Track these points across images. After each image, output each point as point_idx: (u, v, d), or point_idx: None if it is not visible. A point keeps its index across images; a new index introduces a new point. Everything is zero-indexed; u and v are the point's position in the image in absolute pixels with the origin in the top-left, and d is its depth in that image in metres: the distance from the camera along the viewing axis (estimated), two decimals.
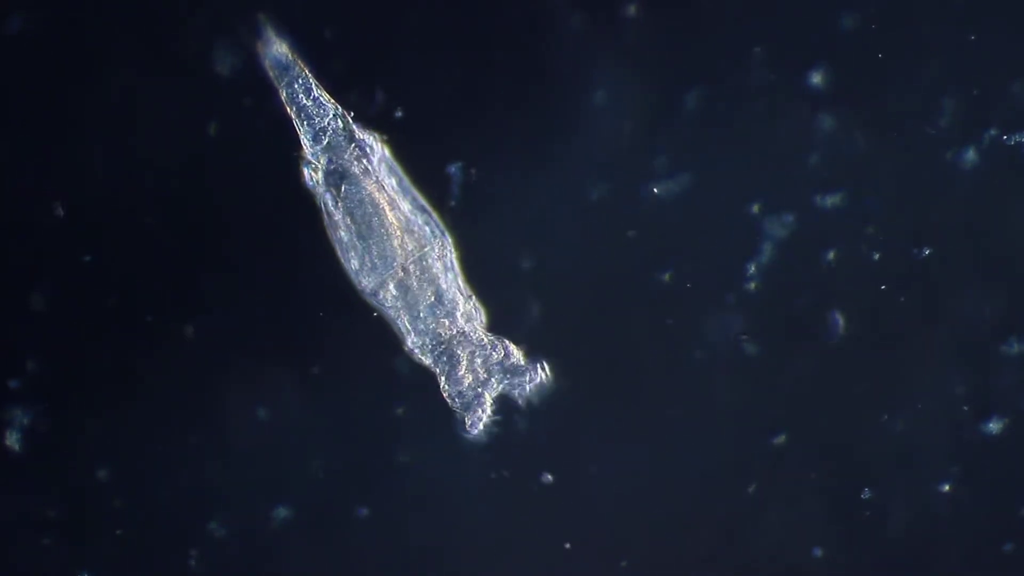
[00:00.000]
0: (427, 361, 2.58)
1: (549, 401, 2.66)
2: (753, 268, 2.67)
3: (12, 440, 2.71)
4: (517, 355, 2.57)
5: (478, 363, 2.56)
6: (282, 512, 2.74)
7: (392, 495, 2.74)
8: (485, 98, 2.65)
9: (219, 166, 2.64)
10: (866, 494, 2.74)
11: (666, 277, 2.69)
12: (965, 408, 2.71)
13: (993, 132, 2.64)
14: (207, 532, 2.74)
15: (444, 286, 2.54)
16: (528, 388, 2.59)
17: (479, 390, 2.57)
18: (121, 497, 2.73)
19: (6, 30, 2.63)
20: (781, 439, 2.73)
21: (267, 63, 2.57)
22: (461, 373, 2.55)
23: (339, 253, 2.57)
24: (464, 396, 2.57)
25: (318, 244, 2.63)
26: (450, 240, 2.57)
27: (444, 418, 2.68)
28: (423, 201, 2.58)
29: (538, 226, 2.67)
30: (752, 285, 2.68)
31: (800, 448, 2.74)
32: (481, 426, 2.59)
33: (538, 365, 2.58)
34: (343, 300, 2.64)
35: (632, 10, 2.63)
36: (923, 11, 2.63)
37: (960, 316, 2.70)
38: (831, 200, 2.66)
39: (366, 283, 2.56)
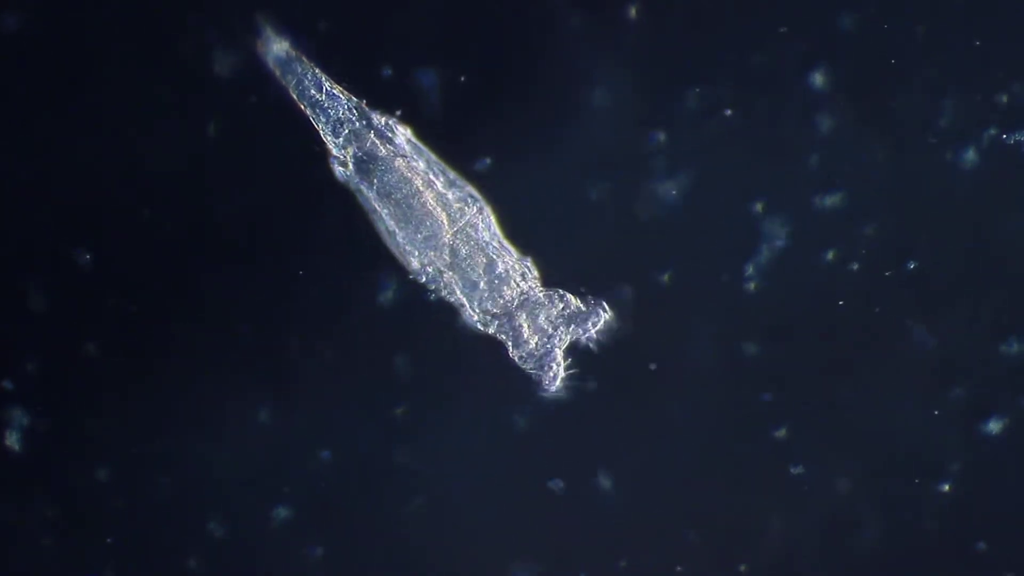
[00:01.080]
0: (490, 330, 2.57)
1: (549, 401, 2.67)
2: (752, 268, 2.67)
3: (12, 440, 2.71)
4: (576, 302, 2.57)
5: (541, 319, 2.55)
6: (282, 512, 2.74)
7: (392, 495, 2.74)
8: (484, 97, 2.65)
9: (219, 166, 2.64)
10: (866, 494, 2.74)
11: (665, 277, 2.69)
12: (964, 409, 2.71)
13: (993, 132, 2.64)
14: (207, 532, 2.74)
15: (493, 253, 2.55)
16: (595, 331, 2.59)
17: (548, 346, 2.56)
18: (121, 497, 2.73)
19: (5, 30, 2.62)
20: (781, 438, 2.73)
21: (270, 62, 2.56)
22: (527, 335, 2.54)
23: (384, 239, 2.57)
24: (535, 356, 2.57)
25: (318, 243, 2.63)
26: (487, 207, 2.57)
27: (444, 418, 2.68)
28: (453, 174, 2.58)
29: (538, 226, 2.67)
30: (751, 285, 2.68)
31: (800, 447, 2.74)
32: (559, 381, 2.58)
33: (599, 306, 2.58)
34: (343, 300, 2.65)
35: (632, 10, 2.63)
36: (923, 11, 2.63)
37: (960, 316, 2.69)
38: (831, 200, 2.66)
39: (416, 263, 2.55)
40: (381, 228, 2.57)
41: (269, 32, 2.56)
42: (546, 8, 2.63)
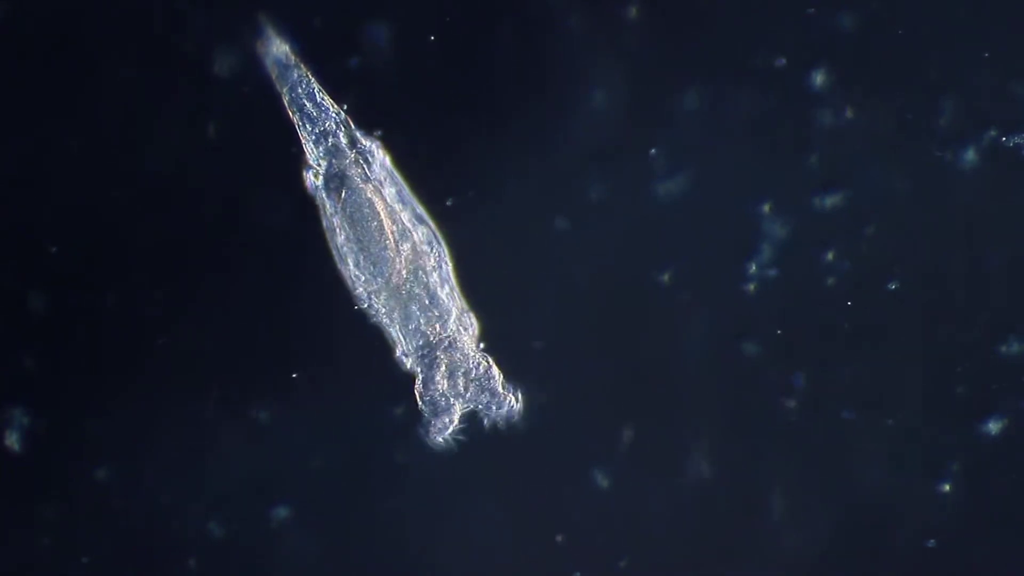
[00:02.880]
0: (408, 363, 2.57)
1: (549, 401, 2.67)
2: (753, 268, 2.67)
3: (12, 440, 2.71)
4: (498, 377, 2.57)
5: (459, 373, 2.55)
6: (282, 512, 2.74)
7: (392, 495, 2.74)
8: (484, 97, 2.65)
9: (219, 166, 2.64)
10: (866, 494, 2.74)
11: (665, 278, 2.69)
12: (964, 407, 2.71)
13: (993, 132, 2.64)
14: (206, 532, 2.74)
15: (438, 296, 2.54)
16: (498, 414, 2.58)
17: (451, 399, 2.56)
18: (121, 497, 2.73)
19: (4, 29, 2.63)
20: (781, 438, 2.73)
21: (268, 64, 2.57)
22: (438, 379, 2.54)
23: (335, 257, 2.56)
24: (435, 402, 2.57)
25: (318, 244, 2.63)
26: (447, 252, 2.56)
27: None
28: (422, 211, 2.57)
29: (537, 226, 2.67)
30: (751, 286, 2.68)
31: (800, 447, 2.74)
32: (444, 435, 2.58)
33: (513, 394, 2.58)
34: (343, 300, 2.64)
35: (632, 10, 2.63)
36: (923, 11, 2.63)
37: (959, 316, 2.69)
38: (831, 200, 2.66)
39: (360, 289, 2.55)
40: (333, 246, 2.57)
41: (269, 32, 2.56)
42: (546, 8, 2.64)
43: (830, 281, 2.69)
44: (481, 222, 2.66)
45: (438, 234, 2.57)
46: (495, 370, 2.57)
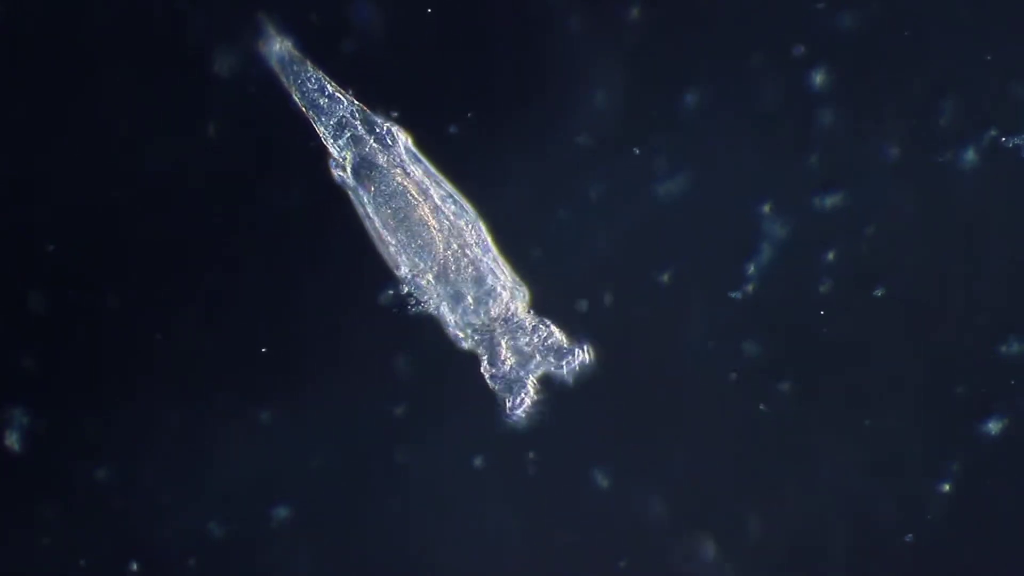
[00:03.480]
0: (467, 344, 2.55)
1: (548, 401, 2.67)
2: (752, 268, 2.67)
3: (12, 440, 2.71)
4: (560, 336, 2.54)
5: (521, 343, 2.53)
6: (282, 512, 2.74)
7: (392, 495, 2.74)
8: (484, 96, 2.65)
9: (219, 166, 2.64)
10: (866, 494, 2.74)
11: (664, 278, 2.69)
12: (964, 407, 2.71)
13: (993, 132, 2.64)
14: (206, 532, 2.74)
15: (483, 270, 2.53)
16: (570, 369, 2.56)
17: (521, 372, 2.54)
18: (121, 497, 2.73)
19: (3, 29, 2.63)
20: (781, 437, 2.73)
21: (272, 62, 2.56)
22: (503, 355, 2.52)
23: (376, 245, 2.55)
24: (506, 378, 2.54)
25: (317, 244, 2.63)
26: (483, 224, 2.55)
27: (444, 418, 2.68)
28: (450, 187, 2.56)
29: (536, 226, 2.67)
30: (751, 286, 2.68)
31: (800, 447, 2.74)
32: (523, 409, 2.55)
33: (580, 347, 2.55)
34: (343, 300, 2.64)
35: (632, 10, 2.63)
36: (923, 12, 2.63)
37: (959, 316, 2.69)
38: (831, 200, 2.66)
39: (406, 271, 2.53)
40: (374, 234, 2.55)
41: (270, 31, 2.56)
42: (547, 8, 2.64)
43: (830, 281, 2.69)
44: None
45: (470, 207, 2.56)
46: (555, 329, 2.55)
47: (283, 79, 2.56)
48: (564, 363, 2.54)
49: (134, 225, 2.67)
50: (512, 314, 2.53)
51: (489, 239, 2.55)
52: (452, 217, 2.54)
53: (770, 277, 2.68)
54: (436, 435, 2.70)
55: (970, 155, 2.65)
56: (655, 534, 2.76)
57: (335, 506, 2.74)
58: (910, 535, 2.72)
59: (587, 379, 2.68)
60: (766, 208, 2.66)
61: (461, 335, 2.54)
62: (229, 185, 2.65)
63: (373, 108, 2.59)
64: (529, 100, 2.65)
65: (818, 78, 2.63)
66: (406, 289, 2.55)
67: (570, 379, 2.54)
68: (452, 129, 2.64)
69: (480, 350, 2.54)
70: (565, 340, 2.54)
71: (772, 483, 2.75)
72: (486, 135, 2.65)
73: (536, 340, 2.53)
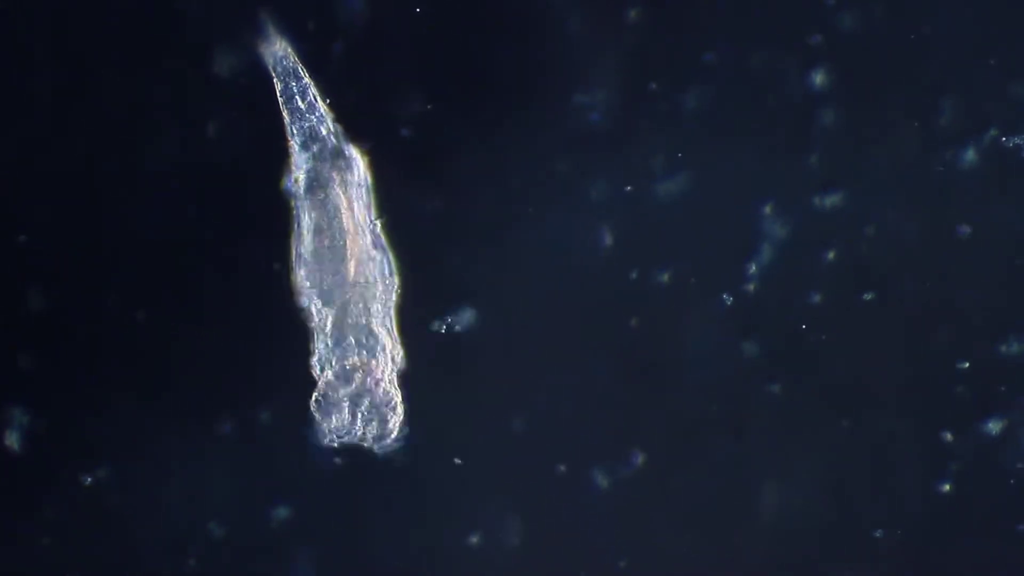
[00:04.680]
0: (321, 376, 2.55)
1: (548, 401, 2.67)
2: (753, 268, 2.67)
3: (12, 440, 2.71)
4: (394, 420, 2.55)
5: (366, 397, 2.54)
6: (282, 512, 2.74)
7: (392, 495, 2.74)
8: (483, 97, 2.65)
9: (220, 166, 2.64)
10: (866, 494, 2.74)
11: (664, 277, 2.68)
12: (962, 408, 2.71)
13: (993, 132, 2.64)
14: (206, 532, 2.74)
15: (376, 325, 2.53)
16: (371, 443, 2.57)
17: (346, 411, 2.55)
18: (121, 497, 2.73)
19: (3, 29, 2.62)
20: (781, 438, 2.73)
21: (268, 62, 2.56)
22: (344, 392, 2.53)
23: (292, 260, 2.55)
24: (329, 406, 2.55)
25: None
26: (396, 284, 2.55)
27: (444, 418, 2.68)
28: (383, 239, 2.56)
29: (536, 226, 2.67)
30: (751, 286, 2.68)
31: (800, 447, 2.74)
32: (331, 439, 2.56)
33: (389, 439, 2.56)
34: None
35: (632, 10, 2.63)
36: (923, 12, 2.63)
37: (959, 316, 2.69)
38: (831, 200, 2.66)
39: (307, 298, 2.54)
40: (294, 250, 2.56)
41: (270, 31, 2.56)
42: (546, 8, 2.63)
43: (830, 281, 2.68)
44: (480, 222, 2.66)
45: (392, 265, 2.56)
46: (398, 411, 2.56)
47: (275, 79, 2.56)
48: (373, 436, 2.56)
49: (134, 225, 2.67)
50: (382, 368, 2.54)
51: (394, 302, 2.55)
52: (373, 265, 2.54)
53: (770, 277, 2.68)
54: (436, 435, 2.70)
55: (970, 155, 2.65)
56: (655, 534, 2.76)
57: (335, 506, 2.74)
58: (892, 530, 2.72)
59: (587, 379, 2.68)
60: (767, 209, 2.66)
61: (320, 368, 2.54)
62: (229, 185, 2.65)
63: (369, 104, 2.59)
64: (529, 100, 2.65)
65: (818, 78, 2.63)
66: (303, 308, 2.55)
67: (366, 445, 2.56)
68: (451, 129, 2.64)
69: (330, 379, 2.54)
70: (395, 427, 2.55)
71: (771, 483, 2.75)
72: (486, 135, 2.64)
73: (379, 399, 2.54)
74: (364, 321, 2.52)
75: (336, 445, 2.56)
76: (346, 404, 2.53)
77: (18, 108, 2.64)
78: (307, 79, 2.56)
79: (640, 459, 2.73)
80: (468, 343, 2.63)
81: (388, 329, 2.54)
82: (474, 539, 2.76)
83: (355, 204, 2.54)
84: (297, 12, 2.58)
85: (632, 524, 2.76)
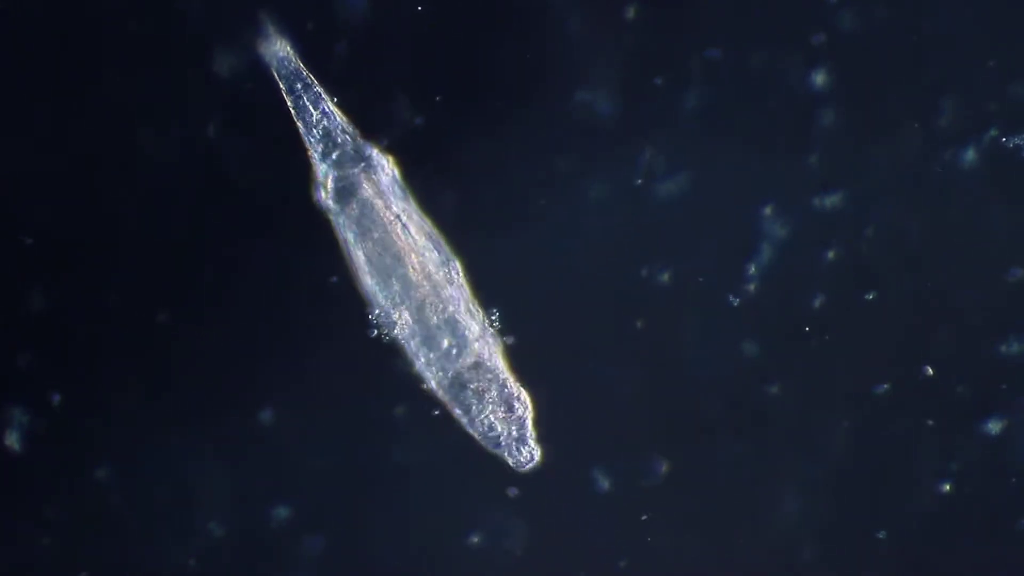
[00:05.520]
0: (442, 394, 2.55)
1: (549, 400, 2.67)
2: (753, 268, 2.67)
3: (12, 440, 2.71)
4: (529, 425, 2.55)
5: (493, 396, 2.54)
6: (282, 512, 2.74)
7: (392, 495, 2.74)
8: (482, 97, 2.65)
9: (220, 165, 2.64)
10: (867, 494, 2.74)
11: (665, 277, 2.69)
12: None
13: (993, 132, 2.64)
14: (206, 532, 2.74)
15: (458, 315, 2.52)
16: (512, 458, 2.57)
17: (497, 427, 2.55)
18: (121, 497, 2.73)
19: (2, 29, 2.62)
20: (781, 438, 2.73)
21: (271, 65, 2.56)
22: (479, 413, 2.53)
23: (354, 271, 2.55)
24: (492, 436, 2.55)
25: (318, 243, 2.63)
26: (459, 265, 2.55)
27: (444, 418, 2.68)
28: (430, 226, 2.56)
29: (536, 226, 2.67)
30: (751, 286, 2.68)
31: (799, 447, 2.74)
32: (526, 454, 2.56)
33: (532, 447, 2.56)
34: (344, 300, 2.64)
35: (631, 9, 2.63)
36: (923, 11, 2.63)
37: (959, 316, 2.70)
38: (831, 200, 2.66)
39: (383, 303, 2.53)
40: (353, 260, 2.55)
41: (271, 31, 2.56)
42: (547, 8, 2.64)
43: (830, 281, 2.69)
44: (480, 223, 2.66)
45: (447, 250, 2.55)
46: (529, 416, 2.56)
47: (282, 88, 2.56)
48: (513, 451, 2.55)
49: (134, 224, 2.67)
50: (486, 361, 2.53)
51: (463, 281, 2.54)
52: (430, 256, 2.53)
53: (770, 277, 2.68)
54: (436, 435, 2.70)
55: (970, 155, 2.65)
56: (655, 534, 2.76)
57: (335, 506, 2.74)
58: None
59: (587, 379, 2.68)
60: (767, 209, 2.66)
61: (432, 378, 2.54)
62: (230, 184, 2.65)
63: (369, 109, 2.59)
64: (528, 100, 2.65)
65: (818, 78, 2.63)
66: (383, 321, 2.54)
67: (508, 461, 2.56)
68: (449, 128, 2.64)
69: (456, 406, 2.54)
70: (531, 432, 2.55)
71: (771, 483, 2.75)
72: (485, 135, 2.65)
73: (504, 412, 2.54)
74: (445, 315, 2.51)
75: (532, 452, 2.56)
76: (491, 418, 2.53)
77: (18, 108, 2.65)
78: (312, 80, 2.55)
79: (640, 459, 2.73)
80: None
81: (472, 313, 2.53)
82: (474, 539, 2.76)
83: (391, 201, 2.54)
84: (297, 12, 2.58)
85: (632, 524, 2.76)
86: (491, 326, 2.55)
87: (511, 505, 2.74)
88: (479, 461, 2.72)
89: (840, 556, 2.76)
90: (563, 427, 2.70)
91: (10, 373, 2.70)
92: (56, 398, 2.70)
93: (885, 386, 2.71)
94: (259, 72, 2.57)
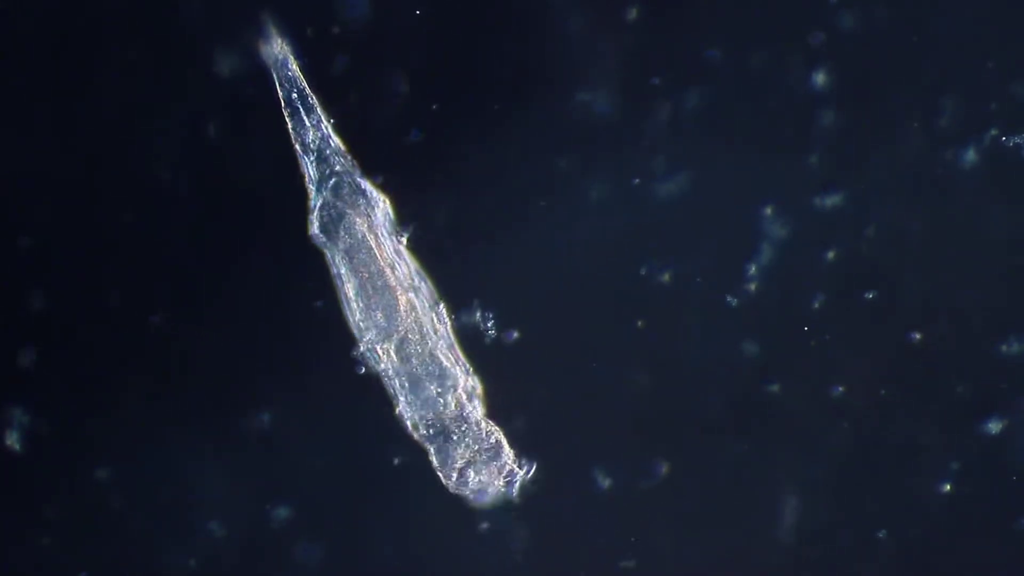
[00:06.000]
0: (418, 433, 2.57)
1: (549, 400, 2.67)
2: (753, 268, 2.67)
3: (12, 440, 2.71)
4: (508, 453, 2.57)
5: (469, 442, 2.56)
6: (282, 512, 2.74)
7: (392, 495, 2.74)
8: (482, 98, 2.65)
9: (221, 166, 2.64)
10: (867, 494, 2.74)
11: (665, 277, 2.69)
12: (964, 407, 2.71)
13: (993, 132, 2.64)
14: (206, 532, 2.74)
15: (442, 357, 2.54)
16: (506, 488, 2.59)
17: (468, 469, 2.57)
18: (121, 497, 2.73)
19: (2, 29, 2.62)
20: (781, 438, 2.73)
21: (271, 66, 2.56)
22: (456, 453, 2.55)
23: (342, 302, 2.56)
24: (459, 475, 2.57)
25: (319, 249, 2.63)
26: (444, 309, 2.56)
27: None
28: (417, 267, 2.57)
29: (536, 226, 2.67)
30: (752, 286, 2.68)
31: (799, 447, 2.74)
32: (492, 488, 2.58)
33: (521, 469, 2.58)
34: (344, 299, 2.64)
35: (632, 10, 2.63)
36: (924, 12, 2.63)
37: (960, 316, 2.70)
38: (831, 200, 2.66)
39: (369, 339, 2.54)
40: (341, 295, 2.56)
41: (271, 32, 2.56)
42: (546, 8, 2.64)
43: (830, 281, 2.69)
44: (481, 222, 2.66)
45: (435, 293, 2.56)
46: (505, 445, 2.58)
47: (279, 90, 2.56)
48: (502, 480, 2.57)
49: (134, 224, 2.67)
50: (468, 412, 2.55)
51: (449, 326, 2.55)
52: (417, 296, 2.54)
53: (770, 277, 2.68)
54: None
55: (970, 155, 2.65)
56: (656, 534, 2.76)
57: (335, 506, 2.74)
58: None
59: (586, 379, 2.68)
60: (767, 209, 2.66)
61: (409, 419, 2.55)
62: (229, 184, 2.65)
63: (368, 111, 2.59)
64: (528, 100, 2.65)
65: (819, 78, 2.63)
66: (367, 356, 2.55)
67: (501, 495, 2.58)
68: (449, 128, 2.64)
69: (430, 444, 2.56)
70: (511, 459, 2.57)
71: (771, 483, 2.75)
72: (485, 135, 2.65)
73: (484, 445, 2.56)
74: (428, 355, 2.53)
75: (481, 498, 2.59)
76: (463, 457, 2.55)
77: (18, 108, 2.65)
78: (309, 94, 2.54)
79: (640, 459, 2.73)
80: (467, 342, 2.63)
81: (454, 359, 2.55)
82: (474, 539, 2.76)
83: (384, 238, 2.54)
84: (297, 14, 2.58)
85: (633, 524, 2.76)
86: (474, 376, 2.57)
87: (511, 505, 2.74)
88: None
89: (840, 556, 2.76)
90: (563, 427, 2.70)
91: (10, 373, 2.70)
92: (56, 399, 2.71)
93: (885, 386, 2.71)
94: (259, 72, 2.57)
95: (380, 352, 2.55)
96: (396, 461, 2.72)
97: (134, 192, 2.66)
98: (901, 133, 2.66)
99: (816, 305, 2.69)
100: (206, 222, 2.67)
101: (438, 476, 2.58)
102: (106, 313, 2.69)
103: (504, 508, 2.73)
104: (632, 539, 2.75)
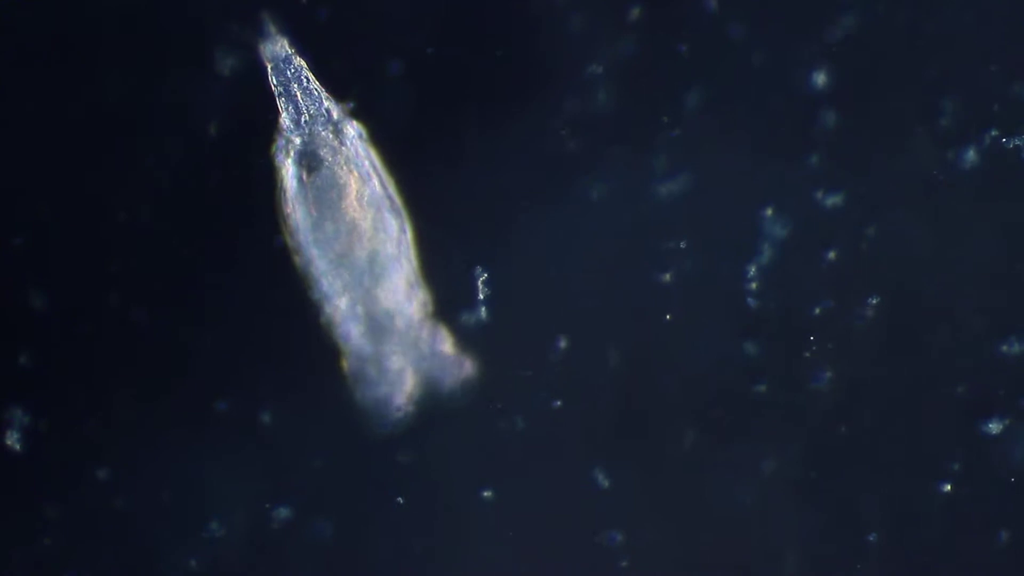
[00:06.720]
0: (346, 330, 2.51)
1: (548, 400, 2.67)
2: (753, 268, 2.67)
3: (12, 440, 2.71)
4: (447, 344, 2.51)
5: (403, 340, 2.50)
6: (282, 512, 2.74)
7: (392, 495, 2.74)
8: (482, 97, 2.65)
9: (221, 166, 2.64)
10: (867, 494, 2.74)
11: (665, 277, 2.69)
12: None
13: (993, 132, 2.64)
14: (207, 532, 2.74)
15: (392, 269, 2.48)
16: (447, 381, 2.55)
17: (394, 375, 2.51)
18: (121, 497, 2.73)
19: (4, 29, 2.63)
20: (781, 438, 2.73)
21: (268, 61, 2.56)
22: (385, 357, 2.49)
23: (287, 225, 2.51)
24: (376, 381, 2.53)
25: None
26: (408, 229, 2.52)
27: (444, 418, 2.68)
28: (390, 187, 2.53)
29: (536, 226, 2.67)
30: (752, 286, 2.68)
31: (800, 447, 2.74)
32: (395, 410, 2.55)
33: (464, 361, 2.54)
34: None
35: (632, 10, 2.63)
36: (924, 12, 2.63)
37: (960, 316, 2.70)
38: (831, 200, 2.67)
39: (314, 257, 2.49)
40: (293, 221, 2.51)
41: (271, 30, 2.56)
42: (546, 8, 2.64)
43: (831, 281, 2.69)
44: (479, 222, 2.66)
45: (403, 211, 2.53)
46: (444, 335, 2.52)
47: (272, 76, 2.55)
48: (441, 374, 2.53)
49: (134, 224, 2.67)
50: (405, 311, 2.49)
51: (410, 243, 2.52)
52: (379, 213, 2.49)
53: (771, 278, 2.68)
54: (436, 435, 2.70)
55: (970, 155, 2.65)
56: (655, 534, 2.76)
57: (336, 506, 2.74)
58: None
59: (586, 378, 2.69)
60: (768, 210, 2.66)
61: (339, 316, 2.49)
62: (229, 184, 2.65)
63: (365, 107, 2.59)
64: (528, 100, 2.65)
65: (819, 78, 2.63)
66: (315, 285, 2.53)
67: (443, 390, 2.54)
68: (449, 128, 2.64)
69: (362, 348, 2.50)
70: (450, 349, 2.52)
71: (771, 482, 2.75)
72: (484, 135, 2.65)
73: (421, 340, 2.50)
74: (376, 265, 2.48)
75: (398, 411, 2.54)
76: (392, 362, 2.49)
77: (18, 108, 2.64)
78: (303, 67, 2.54)
79: (640, 459, 2.74)
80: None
81: (407, 271, 2.50)
82: (474, 539, 2.76)
83: (353, 160, 2.52)
84: (297, 13, 2.58)
85: (632, 524, 2.76)
86: (422, 288, 2.52)
87: (511, 505, 2.74)
88: (479, 461, 2.72)
89: (838, 557, 2.76)
90: (563, 427, 2.70)
91: (10, 373, 2.70)
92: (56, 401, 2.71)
93: (885, 386, 2.72)
94: (259, 73, 2.57)
95: (326, 274, 2.52)
96: (396, 461, 2.73)
97: (134, 192, 2.66)
98: (902, 133, 2.66)
99: (816, 305, 2.69)
100: (207, 221, 2.67)
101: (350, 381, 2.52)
102: (106, 313, 2.69)
103: (504, 508, 2.74)
104: (626, 539, 2.76)
